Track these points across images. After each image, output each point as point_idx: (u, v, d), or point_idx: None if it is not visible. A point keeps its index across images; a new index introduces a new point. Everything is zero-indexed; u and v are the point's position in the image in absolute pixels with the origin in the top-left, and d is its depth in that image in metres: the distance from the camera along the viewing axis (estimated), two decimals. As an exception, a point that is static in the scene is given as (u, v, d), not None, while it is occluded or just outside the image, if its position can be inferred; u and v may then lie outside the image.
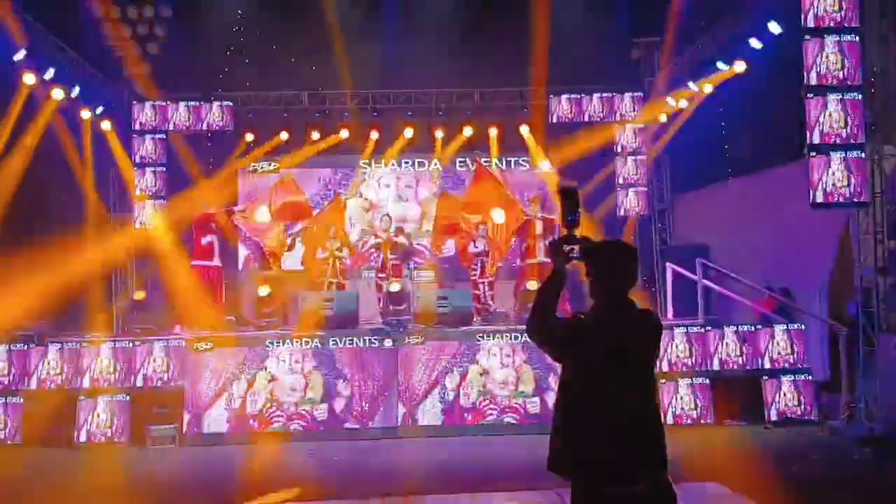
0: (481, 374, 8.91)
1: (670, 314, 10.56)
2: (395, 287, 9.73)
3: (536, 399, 8.88)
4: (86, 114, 11.18)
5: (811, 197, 8.04)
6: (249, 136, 13.02)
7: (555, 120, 12.47)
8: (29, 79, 9.76)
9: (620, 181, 12.76)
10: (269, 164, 13.42)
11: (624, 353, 2.86)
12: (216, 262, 10.33)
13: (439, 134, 12.94)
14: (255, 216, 11.19)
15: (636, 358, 2.90)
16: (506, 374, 8.92)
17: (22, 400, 8.68)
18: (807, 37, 7.98)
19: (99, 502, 6.47)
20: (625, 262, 2.97)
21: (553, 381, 8.88)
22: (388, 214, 11.31)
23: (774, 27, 9.39)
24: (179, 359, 8.87)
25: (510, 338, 9.00)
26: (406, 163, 13.74)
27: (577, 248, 2.91)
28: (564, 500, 5.92)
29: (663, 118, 12.40)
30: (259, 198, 11.75)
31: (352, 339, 8.97)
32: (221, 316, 10.00)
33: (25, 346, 8.81)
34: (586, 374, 2.86)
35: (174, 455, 8.27)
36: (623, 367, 2.85)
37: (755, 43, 9.83)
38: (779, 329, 9.08)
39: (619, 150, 12.73)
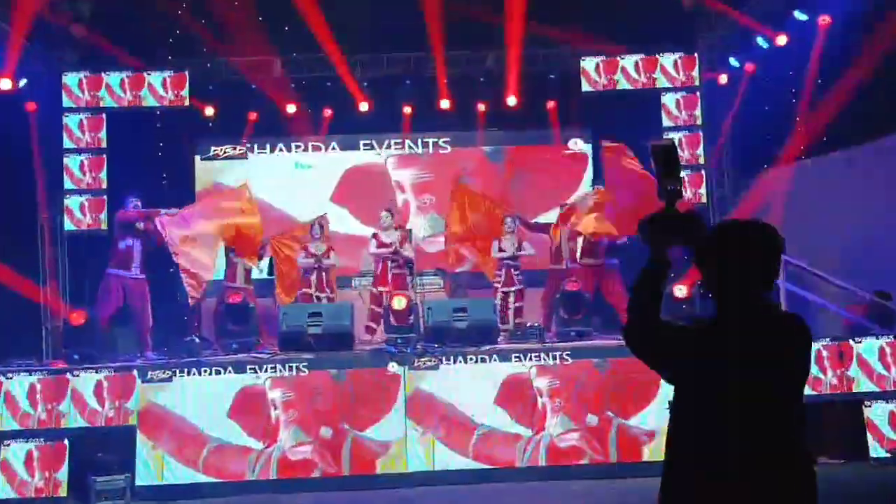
0: (514, 404, 8.72)
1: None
2: (399, 304, 9.45)
3: (586, 435, 8.70)
4: (5, 84, 10.81)
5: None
6: (209, 111, 12.76)
7: (588, 88, 12.17)
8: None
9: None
10: (234, 148, 13.16)
11: (758, 372, 2.55)
12: (134, 272, 9.97)
13: (445, 104, 12.66)
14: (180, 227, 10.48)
15: (775, 380, 2.58)
16: (544, 404, 8.75)
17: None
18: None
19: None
20: (761, 248, 2.67)
21: (608, 411, 8.81)
22: (389, 210, 10.95)
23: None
24: (131, 391, 8.63)
25: (550, 358, 8.82)
26: (396, 144, 13.61)
27: (680, 226, 2.67)
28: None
29: (723, 80, 12.18)
30: (198, 204, 11.13)
31: (346, 363, 8.85)
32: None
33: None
34: (703, 401, 2.59)
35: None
36: (756, 392, 2.55)
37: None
38: (882, 342, 8.83)
39: (667, 124, 12.43)
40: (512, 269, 10.61)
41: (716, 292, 2.69)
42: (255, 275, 11.03)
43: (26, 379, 8.60)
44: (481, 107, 12.99)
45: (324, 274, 10.72)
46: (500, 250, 10.63)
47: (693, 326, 2.73)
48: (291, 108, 12.79)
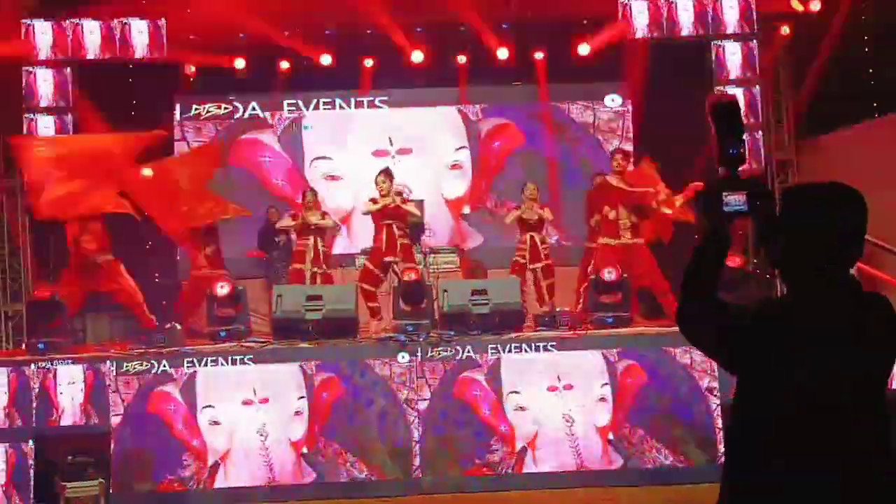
0: (539, 401, 8.78)
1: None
2: (410, 276, 9.41)
3: (620, 438, 8.76)
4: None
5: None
6: (191, 68, 12.77)
7: (628, 36, 12.12)
8: None
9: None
10: (221, 108, 13.12)
11: (837, 359, 2.45)
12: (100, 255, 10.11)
13: (462, 59, 12.61)
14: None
15: (858, 369, 2.47)
16: (575, 402, 8.78)
17: None
18: None
19: None
20: (843, 216, 2.56)
21: (644, 412, 8.84)
22: (387, 170, 10.85)
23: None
24: (104, 385, 8.67)
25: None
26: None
27: (743, 196, 2.55)
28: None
29: (784, 31, 12.08)
30: None
31: (351, 353, 8.89)
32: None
33: None
34: (771, 394, 2.48)
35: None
36: (834, 383, 2.45)
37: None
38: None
39: (721, 77, 12.35)
40: (537, 241, 10.56)
41: (788, 269, 2.61)
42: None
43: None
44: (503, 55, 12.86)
45: (321, 247, 10.74)
46: (522, 219, 10.57)
47: (761, 308, 2.61)
48: (285, 65, 12.82)
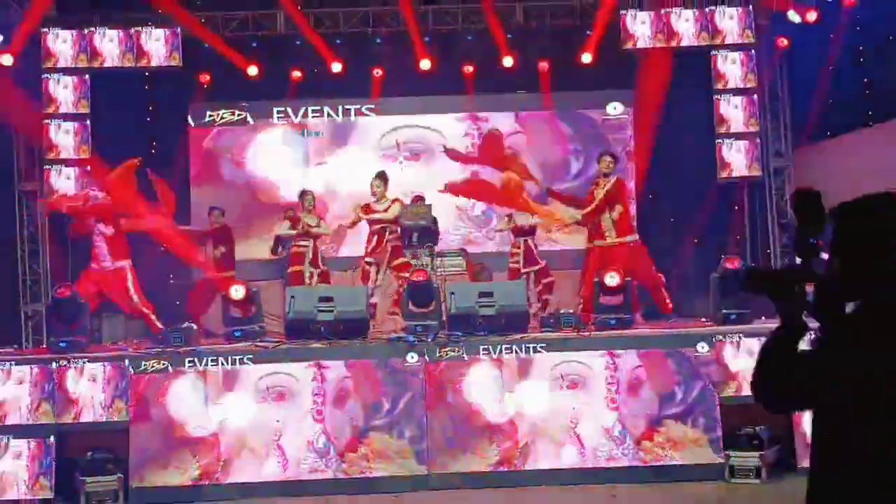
0: (543, 400, 8.82)
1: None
2: (419, 277, 9.51)
3: (622, 435, 8.80)
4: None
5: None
6: (206, 77, 12.87)
7: (629, 45, 12.18)
8: None
9: (721, 130, 12.43)
10: (234, 114, 13.20)
11: None
12: (106, 264, 10.21)
13: (469, 69, 12.71)
14: None
15: None
16: (578, 400, 8.82)
17: None
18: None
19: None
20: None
21: (646, 409, 8.88)
22: (382, 174, 11.12)
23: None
24: (122, 384, 8.74)
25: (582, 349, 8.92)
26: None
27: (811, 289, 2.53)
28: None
29: (783, 42, 12.17)
30: None
31: (361, 353, 8.96)
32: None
33: None
34: (853, 423, 2.42)
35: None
36: None
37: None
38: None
39: (719, 86, 12.41)
40: (531, 245, 10.77)
41: (849, 285, 2.53)
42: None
43: (7, 369, 8.71)
44: (507, 62, 12.87)
45: (319, 250, 11.04)
46: (516, 226, 10.81)
47: (841, 322, 2.53)
48: (297, 74, 12.91)
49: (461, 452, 8.71)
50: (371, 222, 10.86)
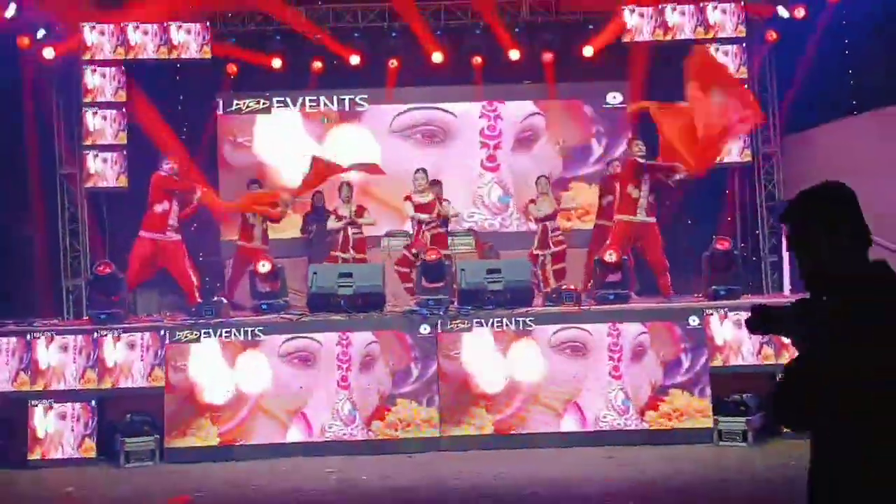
0: (546, 369, 8.90)
1: (787, 291, 10.41)
2: (431, 257, 9.58)
3: (619, 401, 8.86)
4: (24, 40, 11.00)
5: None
6: (233, 68, 12.88)
7: (628, 39, 12.16)
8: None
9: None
10: (259, 102, 13.26)
11: None
12: (169, 234, 10.14)
13: (477, 59, 12.70)
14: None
15: None
16: (578, 369, 8.90)
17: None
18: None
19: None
20: (850, 201, 2.48)
21: (641, 377, 8.92)
22: (423, 169, 11.07)
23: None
24: (158, 353, 8.88)
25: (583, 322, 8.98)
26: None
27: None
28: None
29: (772, 36, 12.16)
30: None
31: (378, 324, 9.02)
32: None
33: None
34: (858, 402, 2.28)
35: (156, 474, 8.30)
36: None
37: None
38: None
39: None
40: (549, 228, 10.82)
41: (831, 265, 2.41)
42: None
43: (52, 340, 8.85)
44: (514, 55, 12.85)
45: (350, 235, 10.94)
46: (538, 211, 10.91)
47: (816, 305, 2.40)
48: (318, 65, 12.89)
49: (469, 416, 8.78)
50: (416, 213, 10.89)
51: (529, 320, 8.98)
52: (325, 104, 13.59)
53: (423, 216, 10.73)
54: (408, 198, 10.82)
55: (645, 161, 10.01)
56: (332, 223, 11.06)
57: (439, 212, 10.81)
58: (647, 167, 9.99)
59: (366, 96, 13.54)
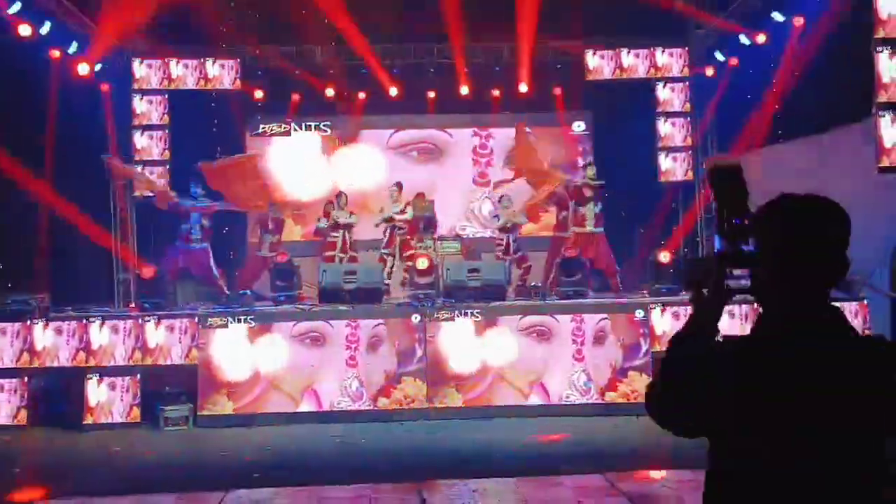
0: (517, 352, 9.04)
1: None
2: (423, 263, 9.82)
3: (577, 379, 9.03)
4: (83, 68, 11.18)
5: (878, 159, 8.04)
6: (259, 94, 13.05)
7: (590, 77, 12.38)
8: (24, 30, 9.79)
9: (661, 144, 12.62)
10: (280, 126, 13.48)
11: (824, 406, 1.68)
12: (195, 245, 10.66)
13: (464, 90, 12.84)
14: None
15: (848, 420, 1.68)
16: (543, 352, 9.07)
17: (27, 379, 8.84)
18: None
19: (123, 485, 6.63)
20: (824, 231, 1.79)
21: (595, 359, 9.09)
22: (398, 183, 11.42)
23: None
24: (192, 335, 9.05)
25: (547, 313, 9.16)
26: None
27: (746, 272, 1.84)
28: (613, 483, 6.16)
29: (710, 73, 12.29)
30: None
31: (377, 313, 9.17)
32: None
33: (28, 321, 8.96)
34: (749, 452, 1.72)
35: (189, 436, 8.47)
36: (823, 437, 1.68)
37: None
38: (842, 305, 9.04)
39: (660, 110, 12.61)
40: (510, 241, 11.07)
41: (764, 296, 1.83)
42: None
43: (105, 324, 9.05)
44: (496, 92, 13.15)
45: (348, 238, 11.21)
46: (503, 226, 11.21)
47: (727, 345, 1.82)
48: (330, 92, 13.07)
49: (454, 389, 8.94)
50: (388, 220, 11.16)
51: (502, 310, 9.16)
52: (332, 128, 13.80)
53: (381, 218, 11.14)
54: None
55: (595, 183, 10.49)
56: (322, 225, 11.42)
57: (404, 212, 11.12)
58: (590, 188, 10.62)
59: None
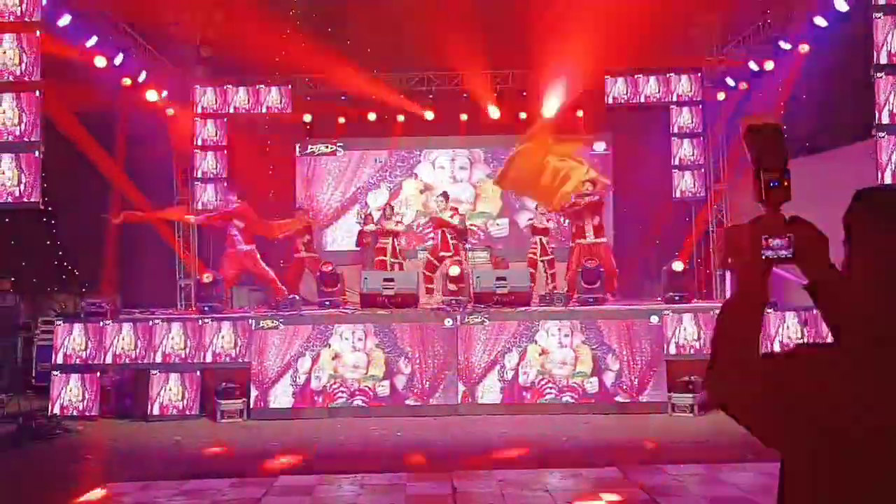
0: (540, 354, 9.05)
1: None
2: (455, 271, 9.86)
3: (594, 379, 8.99)
4: (152, 95, 11.46)
5: (879, 179, 7.95)
6: (307, 117, 13.20)
7: (611, 101, 12.34)
8: (100, 61, 10.07)
9: (676, 162, 12.57)
10: (327, 147, 13.65)
11: None
12: (240, 248, 10.83)
13: (495, 114, 12.89)
14: None
15: None
16: (564, 355, 9.04)
17: (99, 374, 9.06)
18: (877, 14, 7.87)
19: (183, 471, 6.76)
20: None
21: (612, 361, 9.03)
22: (444, 193, 11.48)
23: (841, 4, 9.22)
24: (246, 336, 9.17)
25: (568, 318, 9.14)
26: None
27: (786, 240, 1.50)
28: (627, 476, 6.15)
29: (721, 97, 12.24)
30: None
31: (413, 318, 9.21)
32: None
33: (101, 322, 9.18)
34: (827, 473, 1.37)
35: (243, 427, 8.58)
36: None
37: (820, 21, 9.67)
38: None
39: (676, 130, 12.55)
40: (544, 242, 11.16)
41: (840, 309, 1.52)
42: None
43: (169, 324, 9.22)
44: (523, 115, 13.19)
45: (397, 245, 11.31)
46: (534, 226, 11.33)
47: (810, 352, 1.47)
48: (372, 116, 13.20)
49: (482, 388, 8.96)
50: (436, 225, 11.28)
51: (528, 316, 9.16)
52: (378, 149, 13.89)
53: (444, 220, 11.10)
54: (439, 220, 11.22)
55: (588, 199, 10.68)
56: (370, 227, 11.58)
57: (453, 217, 11.10)
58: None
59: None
